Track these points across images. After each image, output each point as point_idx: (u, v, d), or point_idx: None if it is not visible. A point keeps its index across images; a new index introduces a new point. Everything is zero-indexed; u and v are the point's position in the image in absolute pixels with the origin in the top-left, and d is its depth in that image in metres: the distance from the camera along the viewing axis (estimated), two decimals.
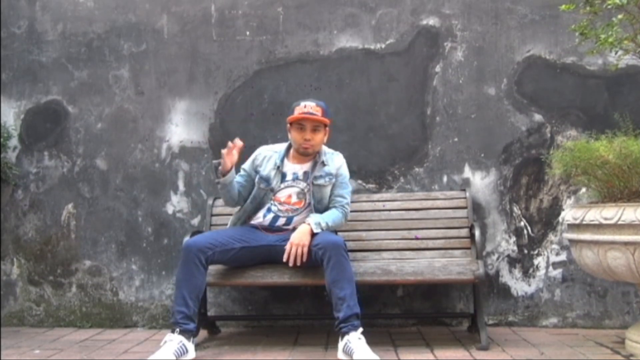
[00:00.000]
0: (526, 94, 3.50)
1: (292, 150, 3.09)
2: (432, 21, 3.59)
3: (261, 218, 3.05)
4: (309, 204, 3.02)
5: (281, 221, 3.03)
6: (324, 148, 3.09)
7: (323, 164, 3.03)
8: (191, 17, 3.76)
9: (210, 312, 3.48)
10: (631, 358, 2.64)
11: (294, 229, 2.93)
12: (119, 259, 3.70)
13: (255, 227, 3.05)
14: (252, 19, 3.70)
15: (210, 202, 3.50)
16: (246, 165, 3.12)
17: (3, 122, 3.79)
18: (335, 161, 3.08)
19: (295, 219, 3.01)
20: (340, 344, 2.67)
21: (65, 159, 3.80)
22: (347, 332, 2.65)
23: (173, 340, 2.68)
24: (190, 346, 2.73)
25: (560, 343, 2.97)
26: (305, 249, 2.78)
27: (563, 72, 3.48)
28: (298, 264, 2.80)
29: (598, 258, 2.64)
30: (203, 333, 3.27)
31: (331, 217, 2.96)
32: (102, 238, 3.72)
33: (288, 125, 3.04)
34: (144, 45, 3.78)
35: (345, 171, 3.10)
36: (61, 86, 3.83)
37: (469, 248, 3.18)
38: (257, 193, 3.07)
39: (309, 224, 2.85)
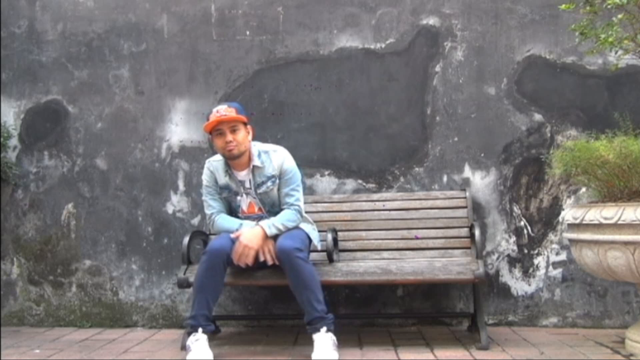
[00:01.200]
0: (526, 93, 3.50)
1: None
2: (432, 21, 3.59)
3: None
4: (268, 210, 3.02)
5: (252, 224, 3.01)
6: (257, 148, 3.01)
7: (258, 167, 2.97)
8: (191, 17, 3.75)
9: None
10: (631, 358, 2.64)
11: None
12: (119, 258, 3.70)
13: None
14: (252, 18, 3.70)
15: None
16: (206, 182, 3.07)
17: (3, 122, 3.79)
18: (274, 160, 3.00)
19: (263, 219, 3.01)
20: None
21: (65, 158, 3.80)
22: (311, 333, 2.74)
23: (201, 339, 2.72)
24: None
25: (560, 343, 2.97)
26: (253, 252, 2.79)
27: (563, 72, 3.48)
28: (243, 265, 2.82)
29: (598, 258, 2.64)
30: None
31: (284, 217, 2.94)
32: (102, 238, 3.72)
33: (209, 136, 3.04)
34: (144, 45, 3.78)
35: (288, 166, 3.00)
36: (61, 86, 3.83)
37: (469, 248, 3.18)
38: (226, 204, 3.09)
39: (261, 227, 2.85)
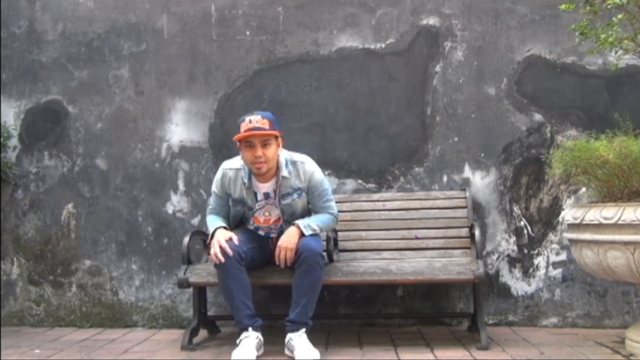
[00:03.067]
0: (526, 93, 3.50)
1: None
2: (432, 21, 3.59)
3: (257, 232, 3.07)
4: (286, 220, 2.98)
5: (274, 235, 3.03)
6: (284, 158, 2.91)
7: (284, 178, 2.89)
8: (191, 17, 3.75)
9: (210, 312, 3.48)
10: (631, 358, 2.64)
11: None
12: (119, 258, 3.70)
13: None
14: (252, 19, 3.70)
15: (210, 202, 3.49)
16: (216, 188, 2.99)
17: (3, 122, 3.79)
18: (301, 172, 2.91)
19: (279, 231, 3.00)
20: (285, 342, 2.77)
21: (65, 158, 3.80)
22: (289, 331, 2.76)
23: (250, 336, 2.73)
24: (262, 338, 2.81)
25: (560, 343, 2.97)
26: (292, 253, 2.78)
27: (563, 72, 3.48)
28: (283, 266, 2.83)
29: (598, 258, 2.64)
30: (203, 333, 3.28)
31: (321, 219, 2.93)
32: (102, 238, 3.72)
33: (237, 144, 2.88)
34: (144, 45, 3.78)
35: (318, 179, 2.93)
36: (61, 86, 3.83)
37: (469, 248, 3.18)
38: (235, 214, 3.02)
39: (297, 227, 2.82)
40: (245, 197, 2.93)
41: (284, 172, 2.88)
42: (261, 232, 3.05)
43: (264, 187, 2.92)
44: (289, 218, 2.96)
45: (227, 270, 2.75)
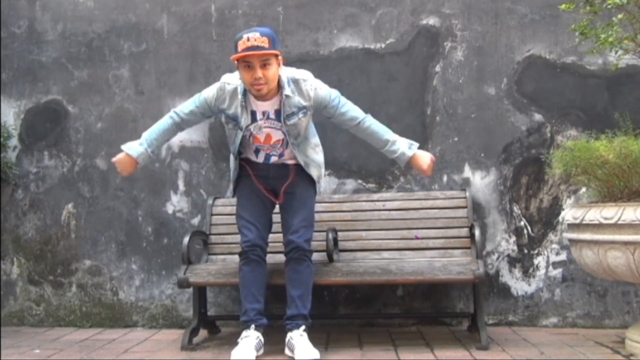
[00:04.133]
0: (526, 93, 3.50)
1: None
2: (432, 21, 3.59)
3: (254, 156, 2.88)
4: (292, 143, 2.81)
5: (274, 158, 2.87)
6: (285, 77, 2.71)
7: (287, 97, 2.70)
8: (191, 17, 3.76)
9: (210, 312, 3.48)
10: (631, 358, 2.64)
11: (285, 165, 2.88)
12: (119, 258, 3.70)
13: (258, 189, 2.89)
14: (252, 19, 3.70)
15: (210, 201, 3.50)
16: (207, 95, 2.77)
17: (3, 122, 3.79)
18: (304, 89, 2.72)
19: (286, 152, 2.86)
20: (286, 339, 2.77)
21: (65, 158, 3.80)
22: (290, 330, 2.75)
23: (250, 336, 2.72)
24: (263, 339, 2.79)
25: (560, 343, 2.97)
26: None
27: (563, 72, 3.48)
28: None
29: (598, 258, 2.64)
30: (203, 333, 3.28)
31: (384, 128, 2.86)
32: (102, 238, 3.73)
33: (235, 63, 2.66)
34: (144, 45, 3.78)
35: (323, 93, 2.75)
36: (61, 86, 3.83)
37: (469, 248, 3.18)
38: (228, 133, 2.84)
39: (415, 149, 2.84)
40: (240, 116, 2.73)
41: (287, 91, 2.69)
42: (260, 156, 2.87)
43: (263, 106, 2.73)
44: (294, 140, 2.79)
45: (247, 259, 2.77)
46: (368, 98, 3.59)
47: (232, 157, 2.98)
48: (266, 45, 2.55)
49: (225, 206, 3.47)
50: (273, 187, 2.90)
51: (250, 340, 2.71)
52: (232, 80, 2.76)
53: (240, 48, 2.57)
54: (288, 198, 2.87)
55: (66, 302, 3.73)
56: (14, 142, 3.84)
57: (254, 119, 2.76)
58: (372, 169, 3.57)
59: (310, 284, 2.83)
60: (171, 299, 3.64)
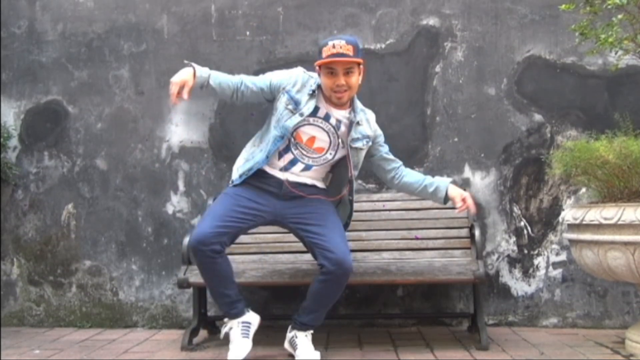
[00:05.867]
0: (526, 94, 3.50)
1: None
2: (432, 21, 3.59)
3: (275, 159, 2.72)
4: (333, 158, 2.72)
5: (298, 167, 2.71)
6: (357, 102, 2.75)
7: (358, 124, 2.70)
8: (191, 17, 3.76)
9: (210, 312, 3.47)
10: (631, 358, 2.65)
11: (305, 186, 2.72)
12: (119, 259, 3.70)
13: (263, 187, 2.74)
14: (252, 19, 3.70)
15: (210, 202, 3.50)
16: (279, 74, 2.73)
17: (3, 122, 3.79)
18: (371, 121, 2.78)
19: (314, 168, 2.73)
20: (288, 335, 2.76)
21: (65, 159, 3.80)
22: (296, 329, 2.73)
23: (233, 327, 2.70)
24: (250, 315, 2.75)
25: (560, 343, 2.97)
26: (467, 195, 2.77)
27: (563, 72, 3.48)
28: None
29: (598, 258, 2.64)
30: (203, 333, 3.28)
31: (417, 175, 2.86)
32: (102, 238, 3.72)
33: (317, 69, 2.64)
34: (144, 45, 3.78)
35: (380, 130, 2.84)
36: (61, 86, 3.83)
37: (469, 248, 3.18)
38: (281, 115, 2.66)
39: (450, 182, 2.81)
40: (303, 102, 2.64)
41: (360, 117, 2.71)
42: (282, 161, 2.70)
43: (331, 109, 2.67)
44: (354, 169, 2.75)
45: (199, 263, 2.61)
46: (368, 98, 3.58)
47: (251, 148, 2.80)
48: (351, 53, 2.55)
49: None
50: (273, 209, 2.73)
51: (235, 331, 2.69)
52: (308, 74, 2.72)
53: (325, 54, 2.56)
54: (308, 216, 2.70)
55: (66, 303, 3.73)
56: (14, 142, 3.84)
57: (315, 112, 2.67)
58: (372, 169, 3.57)
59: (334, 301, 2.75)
60: (171, 299, 3.65)
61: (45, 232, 3.78)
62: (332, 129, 2.68)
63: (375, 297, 3.50)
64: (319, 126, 2.68)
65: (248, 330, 2.73)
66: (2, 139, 3.69)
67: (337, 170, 2.82)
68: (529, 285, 3.42)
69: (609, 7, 2.71)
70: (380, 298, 3.50)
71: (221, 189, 3.62)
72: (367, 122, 2.76)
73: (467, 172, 3.51)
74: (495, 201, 3.48)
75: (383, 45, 3.61)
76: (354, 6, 3.64)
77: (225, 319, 2.77)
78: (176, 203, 3.69)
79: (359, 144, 2.72)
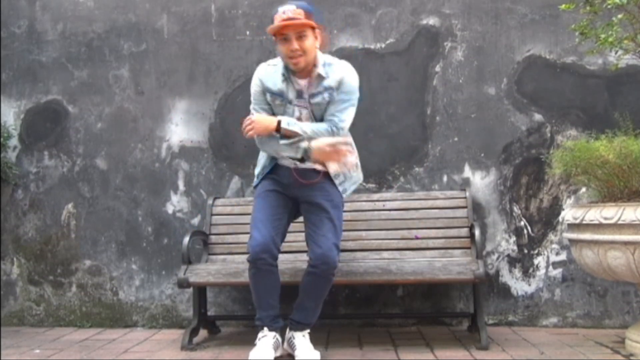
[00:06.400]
0: (526, 93, 3.50)
1: None
2: (432, 21, 3.59)
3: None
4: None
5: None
6: (323, 57, 2.70)
7: (320, 76, 2.65)
8: (191, 17, 3.76)
9: (210, 312, 3.48)
10: (631, 358, 2.64)
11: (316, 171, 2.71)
12: (119, 258, 3.70)
13: (277, 179, 2.78)
14: (252, 18, 3.70)
15: (210, 201, 3.50)
16: (255, 85, 2.75)
17: (3, 122, 3.79)
18: (336, 72, 2.67)
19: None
20: (287, 336, 2.77)
21: (65, 158, 3.80)
22: (293, 329, 2.74)
23: (267, 336, 2.69)
24: (280, 339, 2.76)
25: (560, 343, 2.97)
26: (254, 129, 2.62)
27: (563, 72, 3.48)
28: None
29: (598, 258, 2.64)
30: (203, 333, 3.27)
31: (315, 125, 2.66)
32: (102, 238, 3.72)
33: (274, 39, 2.66)
34: (144, 45, 3.78)
35: (349, 80, 2.67)
36: (61, 86, 3.83)
37: (469, 248, 3.18)
38: (277, 111, 2.72)
39: (279, 120, 2.61)
40: (285, 89, 2.69)
41: (321, 71, 2.65)
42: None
43: (300, 84, 2.69)
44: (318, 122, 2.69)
45: (257, 269, 2.65)
46: (368, 98, 3.58)
47: (261, 151, 2.85)
48: (302, 17, 2.55)
49: (225, 206, 3.48)
50: (293, 195, 2.76)
51: (267, 339, 2.68)
52: (271, 61, 2.77)
53: (276, 22, 2.57)
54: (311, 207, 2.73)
55: (66, 302, 3.73)
56: (14, 142, 3.84)
57: (299, 95, 2.69)
58: (372, 169, 3.57)
59: (325, 296, 2.74)
60: (171, 299, 3.64)
61: (45, 232, 3.78)
62: (306, 101, 2.69)
63: (375, 297, 3.50)
64: (300, 106, 2.71)
65: (277, 347, 2.73)
66: (2, 139, 3.69)
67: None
68: (529, 284, 3.42)
69: (609, 6, 2.71)
70: (380, 298, 3.50)
71: (221, 189, 3.64)
72: (332, 74, 2.67)
73: (467, 172, 3.51)
74: (495, 201, 3.48)
75: (383, 45, 3.61)
76: (354, 6, 3.64)
77: (262, 330, 2.72)
78: (176, 203, 3.69)
79: (319, 99, 2.68)
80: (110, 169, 3.75)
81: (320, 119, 2.71)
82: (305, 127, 2.63)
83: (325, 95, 2.67)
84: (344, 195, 2.82)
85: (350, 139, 2.82)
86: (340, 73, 2.67)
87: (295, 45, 2.57)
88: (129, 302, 3.68)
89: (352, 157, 2.77)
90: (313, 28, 2.61)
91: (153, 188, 3.71)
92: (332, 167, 2.72)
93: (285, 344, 2.78)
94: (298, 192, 2.76)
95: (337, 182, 2.78)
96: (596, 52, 3.07)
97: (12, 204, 3.82)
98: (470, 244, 3.17)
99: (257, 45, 3.68)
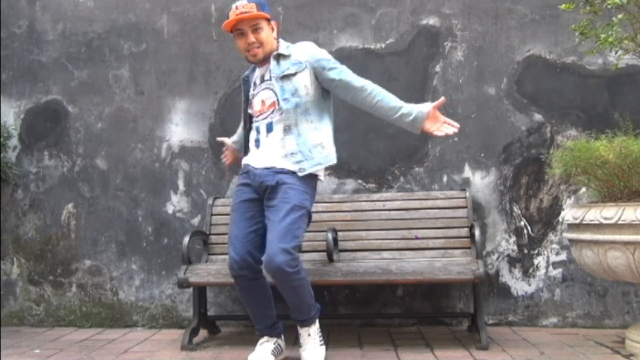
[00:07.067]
0: (526, 93, 3.50)
1: None
2: (432, 21, 3.59)
3: (253, 146, 2.74)
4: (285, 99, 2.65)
5: (262, 133, 2.69)
6: (285, 43, 2.74)
7: (283, 56, 2.68)
8: (191, 17, 3.76)
9: (210, 312, 3.48)
10: (631, 358, 2.64)
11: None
12: (119, 258, 3.70)
13: (246, 184, 2.72)
14: None
15: (210, 201, 3.50)
16: (243, 95, 2.85)
17: (3, 122, 3.79)
18: (302, 49, 2.70)
19: (275, 123, 2.66)
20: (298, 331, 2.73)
21: (65, 158, 3.80)
22: (297, 325, 2.71)
23: (268, 342, 2.70)
24: (282, 341, 2.77)
25: (560, 343, 2.97)
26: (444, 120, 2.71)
27: (563, 72, 3.48)
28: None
29: (598, 258, 2.64)
30: (203, 333, 3.28)
31: (386, 93, 2.73)
32: (102, 238, 3.73)
33: (232, 36, 2.71)
34: (144, 45, 3.78)
35: (320, 54, 2.69)
36: (61, 86, 3.83)
37: (469, 248, 3.18)
38: (246, 118, 2.83)
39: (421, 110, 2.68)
40: (253, 79, 2.78)
41: (282, 50, 2.69)
42: (254, 141, 2.73)
43: (262, 70, 2.73)
44: (291, 97, 2.64)
45: (241, 286, 2.65)
46: None
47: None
48: (254, 10, 2.60)
49: (225, 206, 3.47)
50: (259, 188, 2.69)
51: (267, 345, 2.69)
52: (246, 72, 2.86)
53: (230, 17, 2.63)
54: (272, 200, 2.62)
55: (66, 302, 3.73)
56: (14, 142, 3.84)
57: (263, 80, 2.74)
58: (372, 168, 3.57)
59: (303, 288, 2.59)
60: (171, 299, 3.65)
61: (45, 232, 3.78)
62: (270, 82, 2.69)
63: (375, 296, 3.50)
64: (263, 89, 2.72)
65: (279, 353, 2.73)
66: (2, 139, 3.70)
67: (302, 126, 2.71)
68: (529, 284, 3.42)
69: (609, 6, 2.71)
70: (380, 298, 3.50)
71: (221, 189, 3.64)
72: (297, 51, 2.70)
73: (467, 172, 3.51)
74: (495, 201, 3.48)
75: (383, 45, 3.62)
76: (354, 6, 3.65)
77: (261, 338, 2.73)
78: (176, 203, 3.69)
79: (287, 71, 2.65)
80: (110, 169, 3.76)
81: (291, 93, 2.64)
82: (382, 97, 2.72)
83: (292, 68, 2.66)
84: (300, 174, 2.62)
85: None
86: (306, 50, 2.70)
87: (252, 38, 2.62)
88: (129, 302, 3.68)
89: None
90: (268, 20, 2.67)
91: (153, 188, 3.71)
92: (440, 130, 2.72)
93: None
94: (263, 194, 2.67)
95: (293, 160, 2.63)
96: (596, 52, 3.07)
97: (12, 204, 3.82)
98: (470, 244, 3.17)
99: None
